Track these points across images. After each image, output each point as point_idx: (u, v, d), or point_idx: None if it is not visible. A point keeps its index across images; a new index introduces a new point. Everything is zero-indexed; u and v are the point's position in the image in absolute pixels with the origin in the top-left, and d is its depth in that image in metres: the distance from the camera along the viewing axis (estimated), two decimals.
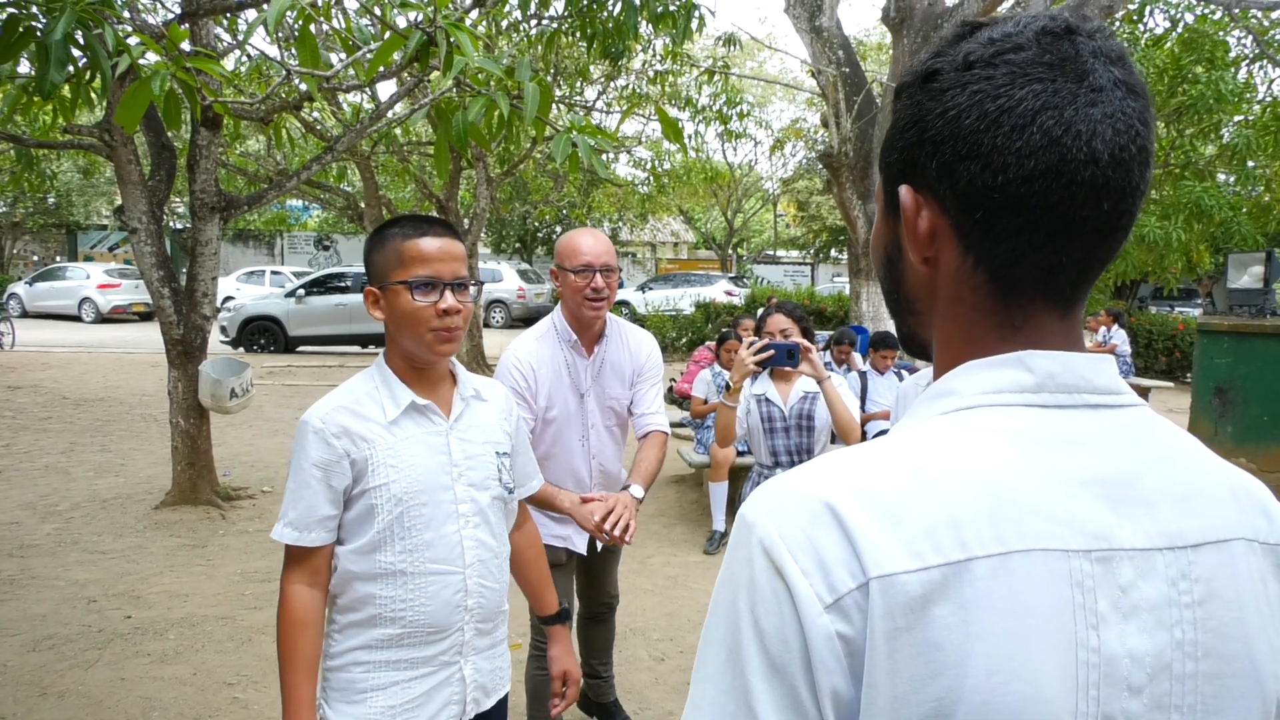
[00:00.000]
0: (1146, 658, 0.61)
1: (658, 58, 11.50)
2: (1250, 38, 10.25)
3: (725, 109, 12.63)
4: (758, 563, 0.61)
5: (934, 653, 0.57)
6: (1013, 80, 0.63)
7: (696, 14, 5.74)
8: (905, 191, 0.69)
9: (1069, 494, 0.62)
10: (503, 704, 1.87)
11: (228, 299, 19.14)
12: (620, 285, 3.07)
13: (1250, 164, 11.47)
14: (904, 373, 6.65)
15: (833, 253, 29.30)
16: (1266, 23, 10.57)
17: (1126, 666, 0.61)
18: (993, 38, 0.66)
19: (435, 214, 6.82)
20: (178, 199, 20.35)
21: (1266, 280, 6.37)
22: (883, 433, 6.23)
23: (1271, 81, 11.03)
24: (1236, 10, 9.39)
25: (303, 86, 6.05)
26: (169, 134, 6.32)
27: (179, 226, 23.50)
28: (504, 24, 8.42)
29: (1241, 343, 6.11)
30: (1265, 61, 10.45)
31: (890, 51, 10.41)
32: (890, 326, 9.03)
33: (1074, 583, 0.60)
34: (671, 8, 5.45)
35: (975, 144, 0.64)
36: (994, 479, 0.61)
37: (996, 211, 0.64)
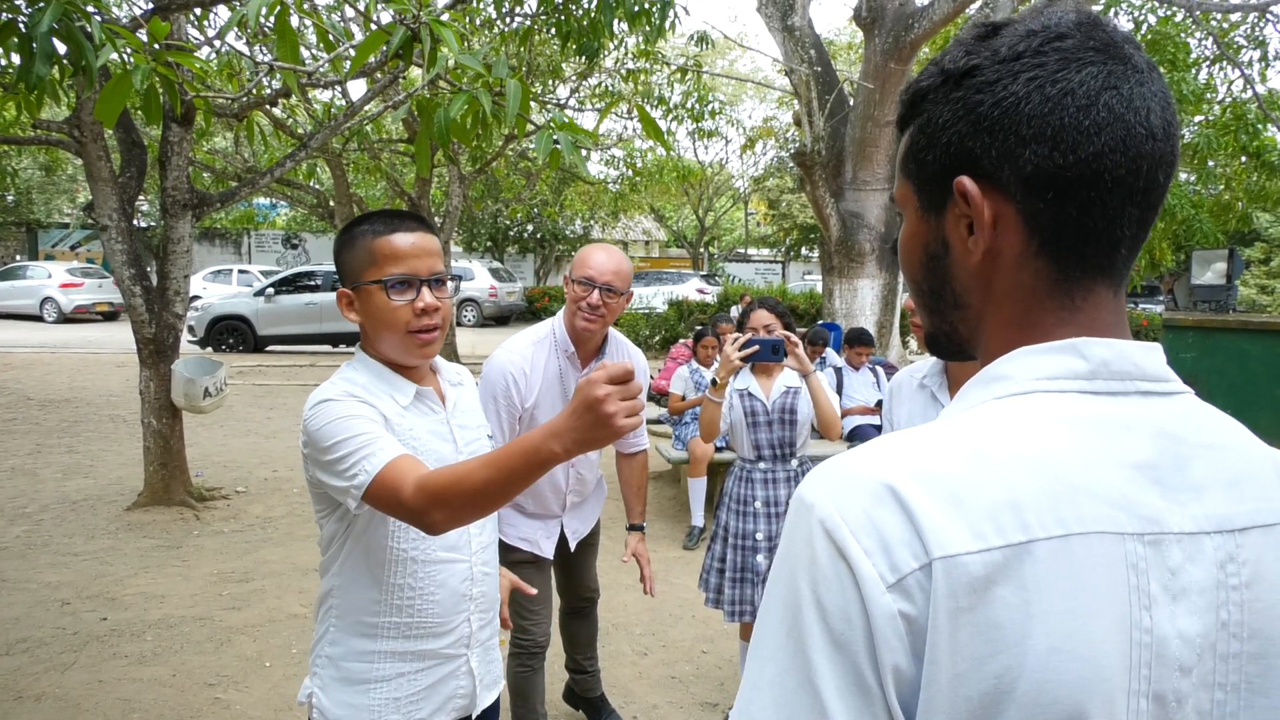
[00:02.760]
0: (1196, 638, 0.63)
1: (630, 56, 11.51)
2: (1210, 40, 10.47)
3: (697, 107, 12.66)
4: (819, 543, 0.62)
5: (995, 632, 0.58)
6: (1067, 65, 0.66)
7: (672, 11, 5.76)
8: (968, 182, 0.70)
9: (1123, 478, 0.64)
10: (497, 700, 1.87)
11: (195, 298, 18.85)
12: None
13: (1211, 163, 11.71)
14: (879, 369, 6.73)
15: (803, 250, 29.48)
16: (1226, 25, 10.80)
17: (1177, 647, 0.63)
18: (1032, 30, 0.68)
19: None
20: (144, 197, 20.04)
21: (1229, 276, 6.53)
22: (858, 428, 6.30)
23: (1231, 82, 11.26)
24: (1198, 13, 9.59)
25: (277, 84, 5.99)
26: (142, 129, 6.24)
27: (145, 225, 23.12)
28: (478, 20, 8.38)
29: (1206, 337, 6.25)
30: (1225, 63, 10.66)
31: (861, 51, 10.50)
32: (864, 322, 9.12)
33: (1128, 565, 0.62)
34: (646, 5, 5.46)
35: (1041, 126, 0.66)
36: (1052, 462, 0.62)
37: (1067, 190, 0.67)
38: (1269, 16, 10.54)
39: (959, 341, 0.78)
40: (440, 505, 1.37)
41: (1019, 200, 0.68)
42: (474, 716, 1.78)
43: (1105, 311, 0.70)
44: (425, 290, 1.59)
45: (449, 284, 1.66)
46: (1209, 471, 0.67)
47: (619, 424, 1.23)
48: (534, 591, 2.23)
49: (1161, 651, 0.62)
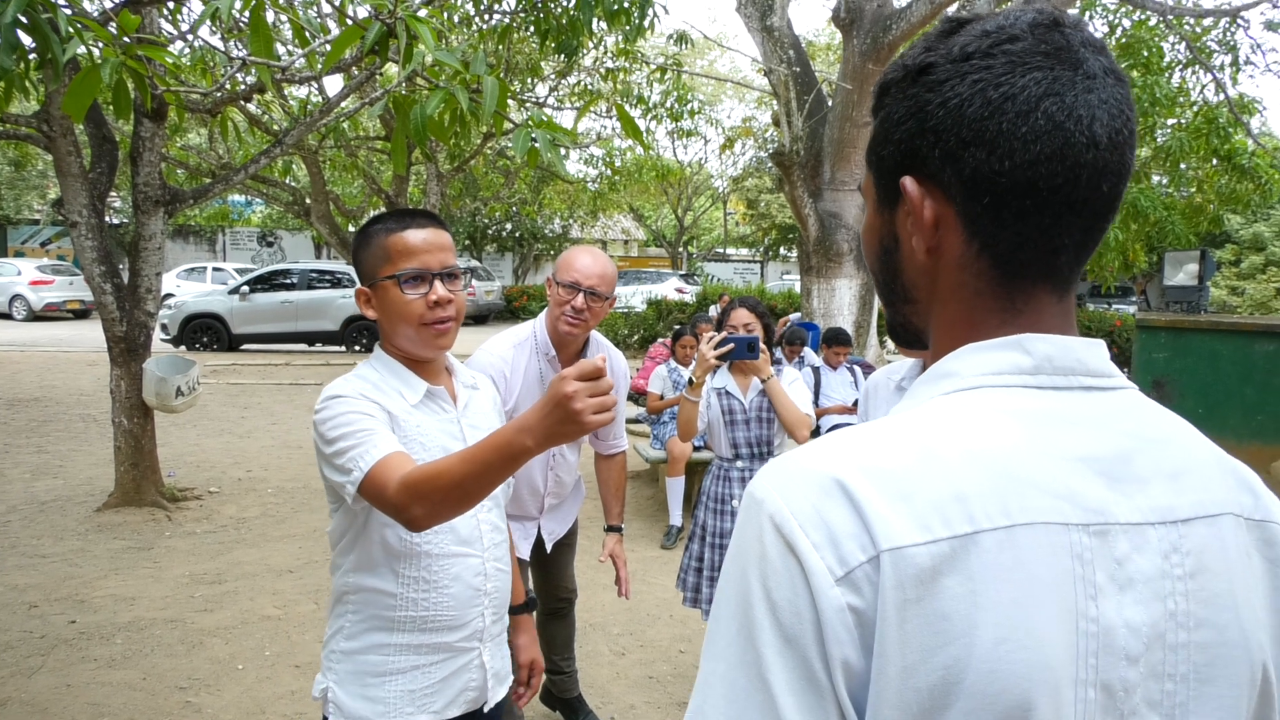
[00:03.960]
0: (1142, 628, 0.64)
1: (609, 55, 11.48)
2: (1184, 44, 10.59)
3: (676, 106, 12.65)
4: (768, 538, 0.62)
5: (943, 623, 0.59)
6: (1013, 69, 0.66)
7: (651, 10, 5.75)
8: (910, 182, 0.70)
9: (1068, 470, 0.64)
10: (507, 695, 1.89)
11: (168, 296, 18.63)
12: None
13: (1183, 166, 11.85)
14: (856, 368, 6.75)
15: (781, 250, 29.59)
16: (1199, 29, 10.93)
17: (1124, 636, 0.63)
18: (986, 30, 0.68)
19: (385, 210, 6.73)
20: (115, 194, 19.77)
21: (1201, 278, 6.61)
22: (836, 427, 6.33)
23: (1203, 86, 11.39)
24: (1171, 17, 9.71)
25: (251, 79, 5.93)
26: (113, 125, 6.14)
27: (116, 221, 22.81)
28: (455, 18, 8.33)
29: (1178, 338, 6.33)
30: (1197, 67, 10.79)
31: (839, 52, 10.55)
32: (841, 322, 9.16)
33: (1074, 555, 0.62)
34: (626, 3, 5.45)
35: (980, 130, 0.66)
36: (998, 456, 0.63)
37: (1003, 196, 0.66)
38: (1240, 21, 10.69)
39: (914, 332, 0.79)
40: (419, 500, 1.40)
41: (959, 203, 0.68)
42: (485, 709, 1.80)
43: (1048, 315, 0.70)
44: (438, 283, 1.65)
45: (461, 278, 1.71)
46: (1152, 464, 0.67)
47: (587, 420, 1.26)
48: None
49: (1109, 641, 0.62)
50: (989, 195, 0.67)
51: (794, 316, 10.07)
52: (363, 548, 1.65)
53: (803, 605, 0.60)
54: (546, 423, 1.28)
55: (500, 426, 1.81)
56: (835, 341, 6.68)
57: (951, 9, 8.83)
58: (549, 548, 2.92)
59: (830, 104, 9.48)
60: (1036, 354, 0.68)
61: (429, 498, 1.39)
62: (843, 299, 9.46)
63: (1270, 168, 11.67)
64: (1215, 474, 0.70)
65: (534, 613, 2.13)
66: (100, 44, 2.49)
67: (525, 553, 2.81)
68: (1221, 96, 10.82)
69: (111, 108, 2.54)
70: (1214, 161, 11.58)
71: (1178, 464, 0.69)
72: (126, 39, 2.63)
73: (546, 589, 3.17)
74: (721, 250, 34.87)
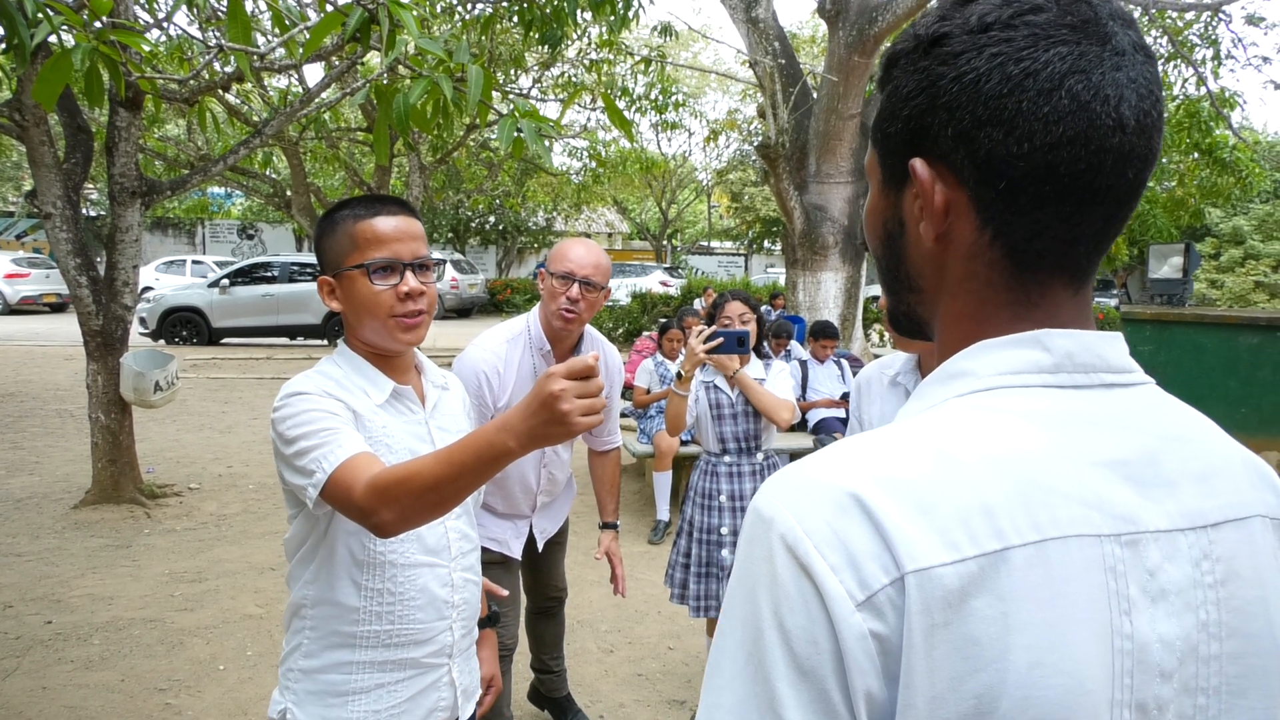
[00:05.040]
0: (1176, 642, 0.60)
1: (593, 46, 11.41)
2: (1166, 38, 10.63)
3: (660, 98, 12.60)
4: (780, 560, 0.57)
5: (973, 648, 0.54)
6: (1035, 42, 0.60)
7: (636, 0, 5.70)
8: (920, 164, 0.65)
9: (1095, 476, 0.60)
10: (474, 710, 1.81)
11: (146, 289, 18.42)
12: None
13: (1164, 159, 11.93)
14: (844, 361, 6.73)
15: (766, 244, 29.60)
16: (1181, 23, 10.98)
17: (1157, 652, 0.59)
18: None
19: None
20: (91, 185, 19.50)
21: (1186, 270, 6.64)
22: (823, 421, 6.30)
23: (1185, 80, 11.45)
24: (1153, 11, 9.73)
25: (230, 68, 5.82)
26: (87, 113, 6.02)
27: (93, 214, 22.52)
28: (439, 7, 8.23)
29: (1163, 330, 6.34)
30: (1179, 61, 10.84)
31: (824, 44, 10.52)
32: (827, 315, 9.14)
33: (1106, 568, 0.58)
34: None
35: (998, 109, 0.61)
36: (1022, 463, 0.58)
37: (1021, 181, 0.62)
38: (1221, 15, 10.74)
39: (918, 322, 0.74)
40: (389, 503, 1.30)
41: (971, 187, 0.63)
42: None
43: (1064, 309, 0.66)
44: (409, 274, 1.55)
45: (433, 269, 1.62)
46: (1179, 466, 0.63)
47: (574, 422, 1.17)
48: (506, 594, 2.16)
49: (1143, 658, 0.58)
50: (1005, 180, 0.62)
51: (764, 309, 10.04)
52: (323, 558, 1.54)
53: (820, 633, 0.55)
54: (531, 423, 1.19)
55: (473, 429, 1.75)
56: (822, 335, 6.66)
57: (935, 1, 8.82)
58: (540, 546, 2.87)
59: (815, 96, 9.44)
60: (1056, 351, 0.63)
61: (399, 501, 1.29)
62: (828, 292, 9.44)
63: (1251, 161, 11.76)
64: (1241, 473, 0.67)
65: (497, 625, 2.05)
66: (72, 28, 2.42)
67: (517, 552, 2.75)
68: (1203, 90, 10.87)
69: (84, 95, 2.46)
70: (1195, 155, 11.66)
71: (1204, 464, 0.65)
72: (99, 23, 2.55)
73: (537, 588, 3.12)
74: (705, 243, 34.84)
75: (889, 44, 0.74)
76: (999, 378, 0.63)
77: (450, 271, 21.88)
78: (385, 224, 1.55)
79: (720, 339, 3.05)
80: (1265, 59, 12.02)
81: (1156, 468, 0.62)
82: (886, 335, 14.43)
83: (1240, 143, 11.54)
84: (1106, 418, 0.63)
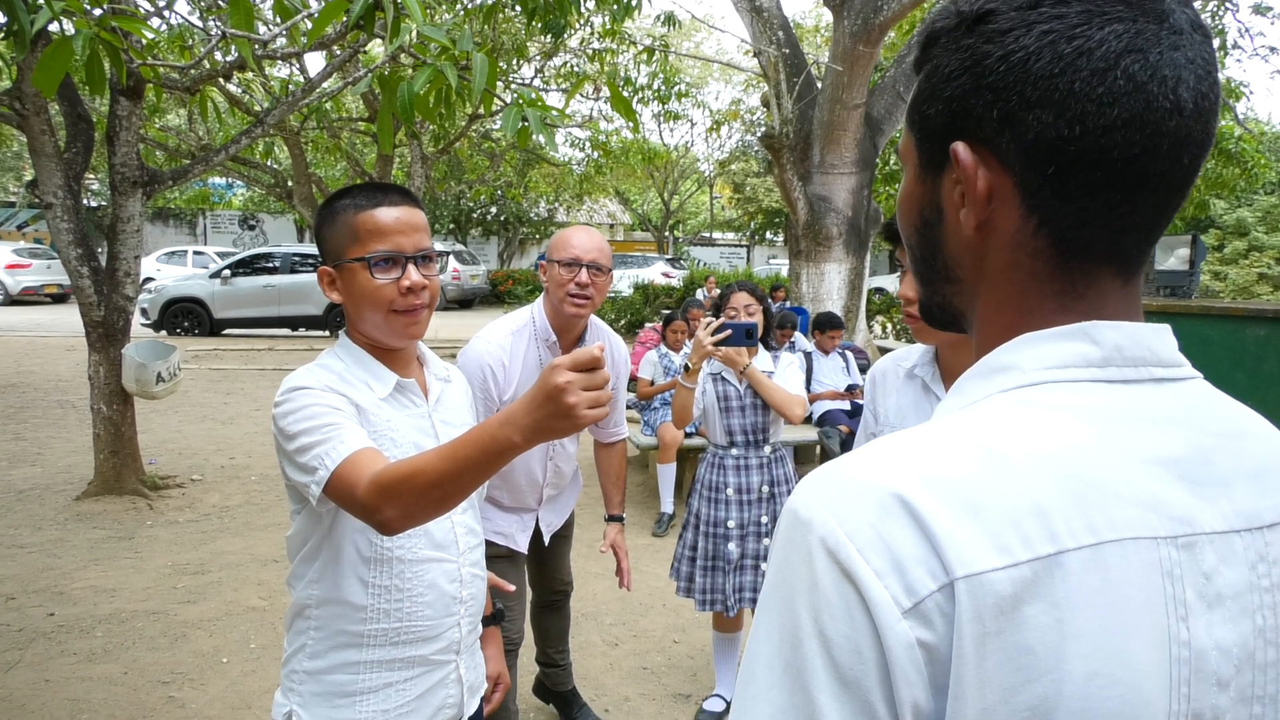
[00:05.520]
0: (1233, 648, 0.57)
1: (596, 36, 11.34)
2: None
3: (663, 89, 12.53)
4: (820, 565, 0.55)
5: (1026, 657, 0.51)
6: (1089, 19, 0.57)
7: None
8: (963, 148, 0.62)
9: (1149, 475, 0.57)
10: (481, 705, 1.78)
11: (148, 280, 18.37)
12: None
13: None
14: (848, 353, 6.70)
15: (768, 234, 29.54)
16: None
17: (1215, 659, 0.56)
18: None
19: None
20: (92, 175, 19.46)
21: (1193, 262, 6.60)
22: (828, 413, 6.26)
23: None
24: None
25: (231, 56, 5.77)
26: (88, 102, 5.98)
27: (94, 204, 22.49)
28: None
29: (1169, 322, 6.23)
30: None
31: (827, 34, 10.45)
32: (831, 306, 9.11)
33: (1164, 572, 0.55)
34: None
35: (1049, 90, 0.58)
36: (1073, 461, 0.56)
37: (1071, 166, 0.59)
38: (1229, 5, 10.67)
39: (953, 314, 0.71)
40: (393, 500, 1.27)
41: (1017, 172, 0.60)
42: None
43: (1112, 301, 0.63)
44: (411, 268, 1.51)
45: (436, 261, 1.58)
46: (1233, 463, 0.61)
47: (581, 415, 1.13)
48: (513, 588, 2.14)
49: (1200, 666, 0.56)
50: (1054, 165, 0.59)
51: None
52: (328, 556, 1.51)
53: (864, 642, 0.53)
54: (536, 416, 1.16)
55: (477, 422, 1.70)
56: (828, 326, 6.62)
57: None
58: (546, 540, 2.85)
59: (820, 86, 9.38)
60: (1105, 344, 0.60)
61: (403, 498, 1.27)
62: (832, 283, 9.40)
63: (1256, 152, 11.70)
64: None
65: (502, 623, 2.03)
66: (73, 15, 2.38)
67: (523, 546, 2.73)
68: None
69: (85, 83, 2.42)
70: None
71: (1259, 462, 0.62)
72: (99, 10, 2.51)
73: (542, 581, 3.10)
74: (708, 234, 34.78)
75: (920, 28, 0.71)
76: (1045, 372, 0.61)
77: (452, 262, 21.84)
78: (387, 215, 1.51)
79: (728, 331, 3.01)
80: (1272, 49, 11.97)
81: (1210, 466, 0.60)
82: (888, 327, 14.38)
83: (1246, 134, 11.48)
84: (1158, 414, 0.60)
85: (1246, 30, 13.88)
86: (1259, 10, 11.52)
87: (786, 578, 0.57)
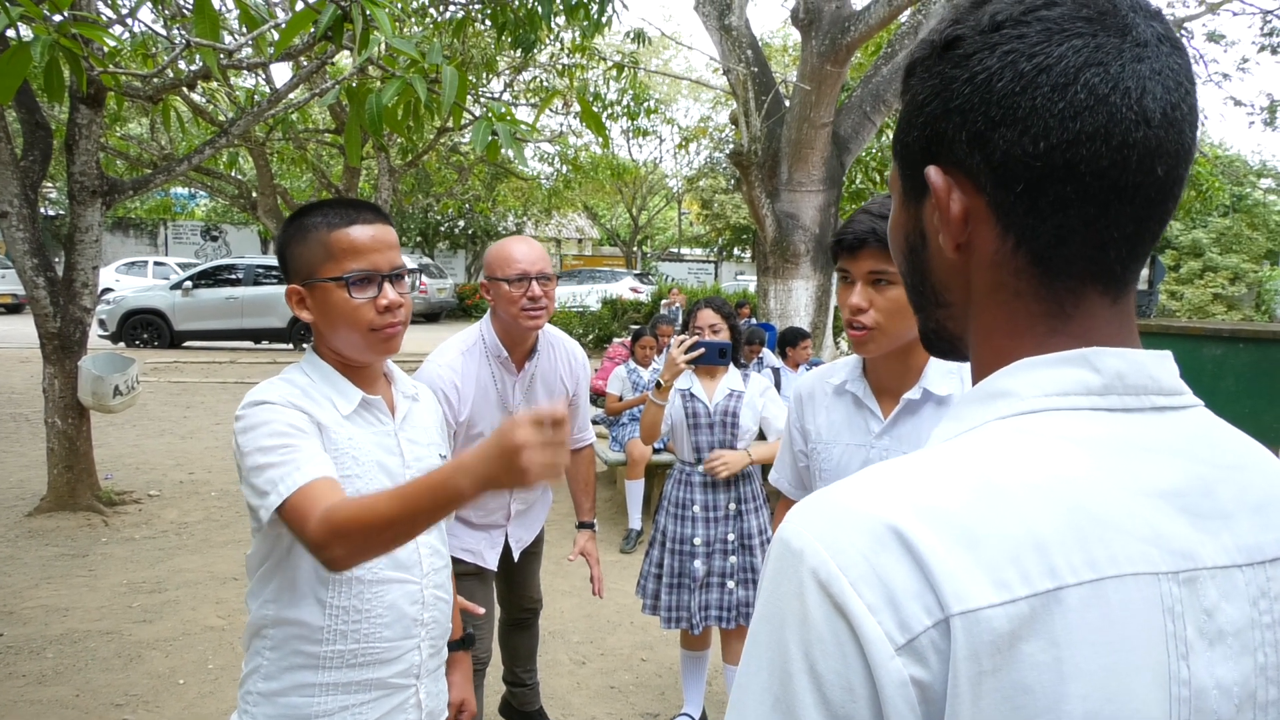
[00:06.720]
0: (1234, 687, 0.56)
1: (566, 51, 11.36)
2: None
3: (633, 105, 12.58)
4: (811, 598, 0.53)
5: (1023, 697, 0.50)
6: (1049, 37, 0.58)
7: (611, 5, 5.66)
8: (934, 172, 0.62)
9: (1150, 508, 0.56)
10: None
11: (106, 291, 18.04)
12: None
13: None
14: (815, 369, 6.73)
15: (736, 251, 29.69)
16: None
17: (1215, 699, 0.55)
18: None
19: None
20: (50, 183, 19.07)
21: (1151, 282, 6.71)
22: None
23: None
24: None
25: (195, 65, 5.69)
26: (46, 110, 5.87)
27: (51, 213, 22.06)
28: (413, 4, 8.15)
29: None
30: None
31: (795, 54, 10.57)
32: (798, 323, 9.16)
33: (1165, 609, 0.54)
34: None
35: (1011, 108, 0.58)
36: (1073, 493, 0.55)
37: (1040, 182, 0.58)
38: (1184, 31, 10.95)
39: (948, 339, 0.71)
40: (341, 539, 1.27)
41: (989, 192, 0.60)
42: None
43: (1102, 320, 0.62)
44: (388, 286, 1.51)
45: (408, 278, 1.58)
46: (1235, 495, 0.60)
47: (533, 476, 1.13)
48: (483, 611, 2.10)
49: (1200, 705, 0.55)
50: (1022, 182, 0.59)
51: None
52: (286, 574, 1.48)
53: (856, 679, 0.52)
54: (488, 469, 1.16)
55: (440, 451, 1.70)
56: (798, 339, 6.65)
57: (907, 13, 8.89)
58: (516, 556, 2.81)
59: (788, 105, 9.47)
60: (1106, 371, 0.60)
61: (351, 539, 1.26)
62: (799, 300, 9.46)
63: (1210, 176, 11.99)
64: None
65: (471, 648, 1.99)
66: (31, 20, 2.33)
67: (492, 563, 2.69)
68: None
69: (44, 90, 2.37)
70: None
71: (1261, 494, 0.61)
72: (59, 16, 2.46)
73: (512, 599, 3.06)
74: (676, 250, 34.88)
75: (899, 55, 0.71)
76: (1044, 399, 0.60)
77: (419, 275, 21.67)
78: (362, 234, 1.49)
79: (702, 349, 3.00)
80: (1225, 75, 12.29)
81: (1212, 498, 0.59)
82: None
83: (1200, 157, 11.76)
84: (1159, 444, 0.59)
85: (1201, 57, 14.25)
86: (1213, 38, 11.86)
87: (777, 610, 0.55)
